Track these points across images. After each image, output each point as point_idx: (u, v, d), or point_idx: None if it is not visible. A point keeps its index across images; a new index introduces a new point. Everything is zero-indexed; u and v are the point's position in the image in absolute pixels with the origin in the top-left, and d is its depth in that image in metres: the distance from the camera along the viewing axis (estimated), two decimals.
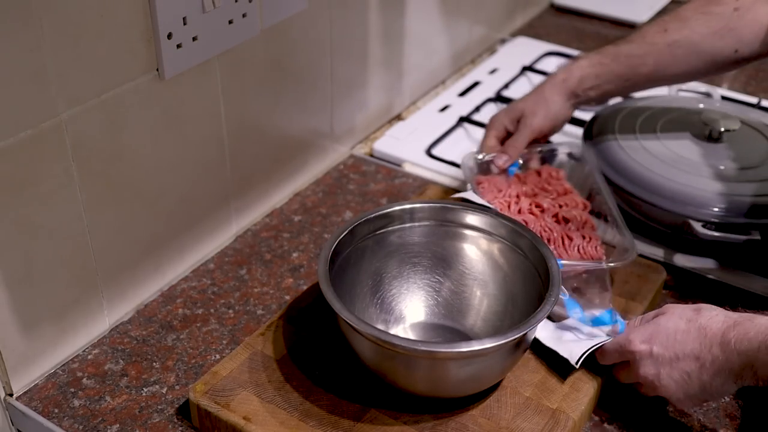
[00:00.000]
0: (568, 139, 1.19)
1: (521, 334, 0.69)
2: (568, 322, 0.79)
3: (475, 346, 0.68)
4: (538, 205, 0.91)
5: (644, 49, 0.93)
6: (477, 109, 1.26)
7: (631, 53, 0.94)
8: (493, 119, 1.02)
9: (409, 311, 0.84)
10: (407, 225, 0.83)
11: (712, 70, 0.94)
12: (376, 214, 0.82)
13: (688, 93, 1.23)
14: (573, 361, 0.75)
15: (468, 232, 0.83)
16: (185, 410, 0.77)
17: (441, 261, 0.85)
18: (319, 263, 0.75)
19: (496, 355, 0.71)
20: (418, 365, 0.70)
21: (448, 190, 1.06)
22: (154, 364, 0.83)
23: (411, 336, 0.81)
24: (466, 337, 0.81)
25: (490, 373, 0.73)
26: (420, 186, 1.09)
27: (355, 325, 0.69)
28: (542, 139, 1.01)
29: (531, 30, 1.55)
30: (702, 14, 0.91)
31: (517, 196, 0.92)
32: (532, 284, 0.78)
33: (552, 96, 0.97)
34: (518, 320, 0.74)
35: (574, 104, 0.99)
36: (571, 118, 1.02)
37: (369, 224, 0.82)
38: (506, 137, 1.01)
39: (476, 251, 0.84)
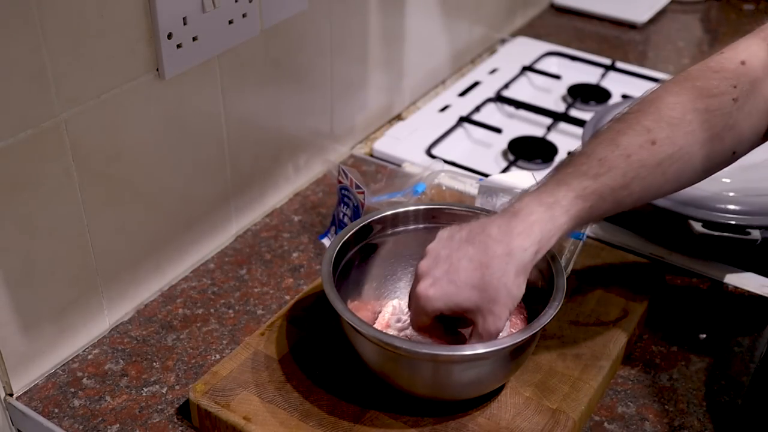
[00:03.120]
0: (567, 139, 1.19)
1: (524, 338, 0.69)
2: None
3: (478, 349, 0.68)
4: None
5: (630, 173, 0.68)
6: (477, 109, 1.26)
7: (615, 185, 0.68)
8: (427, 307, 0.69)
9: None
10: (411, 227, 0.83)
11: (700, 179, 0.73)
12: (381, 215, 0.82)
13: None
14: None
15: None
16: (185, 410, 0.77)
17: None
18: (323, 264, 0.75)
19: (498, 359, 0.70)
20: (420, 368, 0.70)
21: (449, 191, 1.06)
22: (154, 364, 0.83)
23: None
24: None
25: (493, 376, 0.73)
26: None
27: (357, 327, 0.69)
28: None
29: (531, 30, 1.55)
30: (696, 113, 0.69)
31: None
32: (536, 287, 0.78)
33: (516, 281, 0.67)
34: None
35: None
36: None
37: (373, 226, 0.81)
38: None
39: None
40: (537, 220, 0.66)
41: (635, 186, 0.69)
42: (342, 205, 0.96)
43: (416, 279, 0.70)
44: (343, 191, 0.95)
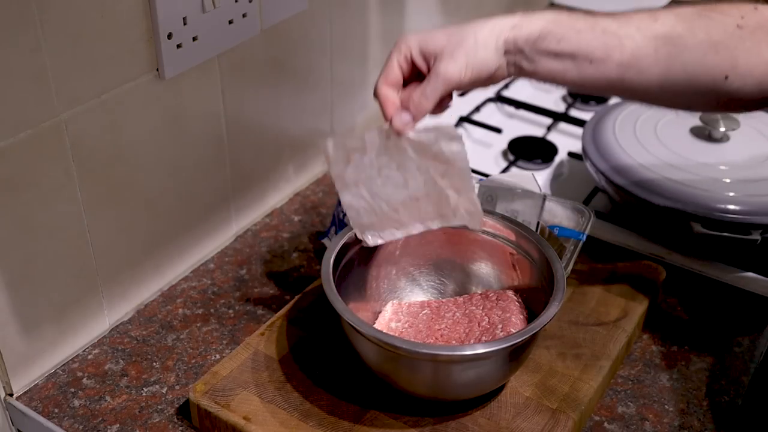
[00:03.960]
0: (567, 139, 1.19)
1: (524, 337, 0.69)
2: None
3: (479, 349, 0.68)
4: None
5: (626, 30, 0.70)
6: (477, 109, 1.26)
7: (609, 29, 0.70)
8: (401, 41, 0.72)
9: None
10: None
11: (690, 93, 0.72)
12: None
13: None
14: None
15: (472, 234, 0.83)
16: (185, 410, 0.77)
17: (445, 263, 0.85)
18: (323, 264, 0.75)
19: (499, 359, 0.70)
20: (420, 368, 0.70)
21: None
22: (154, 364, 0.83)
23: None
24: None
25: (493, 376, 0.73)
26: None
27: (357, 327, 0.69)
28: (457, 91, 0.74)
29: None
30: (701, 17, 0.71)
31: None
32: (536, 287, 0.78)
33: (486, 39, 0.70)
34: None
35: (508, 63, 0.71)
36: (500, 80, 0.73)
37: None
38: (412, 72, 0.73)
39: (480, 253, 0.83)
40: (515, 15, 0.71)
41: (626, 40, 0.70)
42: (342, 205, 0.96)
43: None
44: None
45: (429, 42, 0.71)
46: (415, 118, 0.71)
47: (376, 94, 0.72)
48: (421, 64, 0.71)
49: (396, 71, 0.72)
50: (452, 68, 0.69)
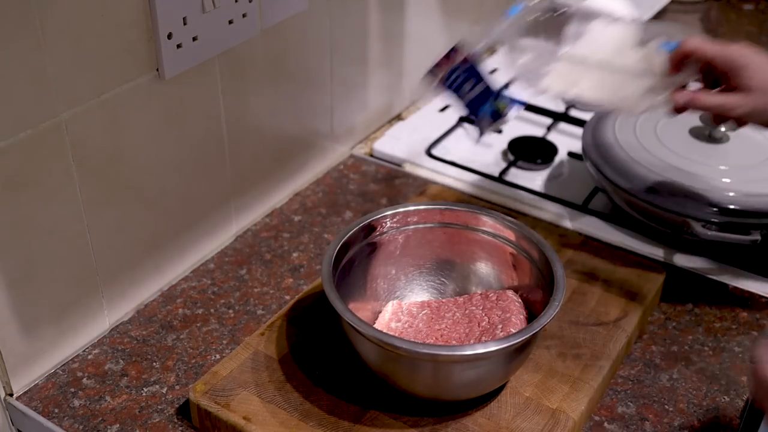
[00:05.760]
0: (567, 139, 1.19)
1: (524, 337, 0.69)
2: None
3: (479, 349, 0.68)
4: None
5: None
6: None
7: None
8: (700, 48, 0.77)
9: None
10: (411, 227, 0.83)
11: None
12: (382, 215, 0.82)
13: None
14: None
15: (472, 234, 0.83)
16: (185, 410, 0.77)
17: (445, 263, 0.85)
18: (323, 264, 0.75)
19: (499, 359, 0.70)
20: (420, 368, 0.70)
21: (448, 191, 1.06)
22: (154, 364, 0.83)
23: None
24: None
25: (493, 376, 0.73)
26: (420, 186, 1.09)
27: (357, 327, 0.69)
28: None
29: None
30: None
31: None
32: (536, 287, 0.78)
33: None
34: None
35: None
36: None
37: (373, 225, 0.82)
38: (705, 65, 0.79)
39: (480, 253, 0.84)
40: None
41: None
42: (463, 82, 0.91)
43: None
44: (466, 70, 0.91)
45: (746, 71, 0.76)
46: (690, 108, 0.78)
47: (689, 46, 0.78)
48: (720, 67, 0.77)
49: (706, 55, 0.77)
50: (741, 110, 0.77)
